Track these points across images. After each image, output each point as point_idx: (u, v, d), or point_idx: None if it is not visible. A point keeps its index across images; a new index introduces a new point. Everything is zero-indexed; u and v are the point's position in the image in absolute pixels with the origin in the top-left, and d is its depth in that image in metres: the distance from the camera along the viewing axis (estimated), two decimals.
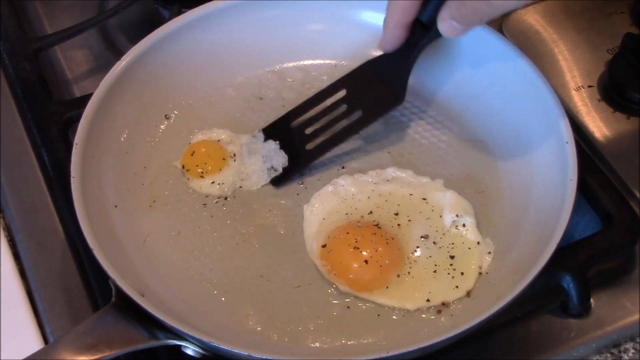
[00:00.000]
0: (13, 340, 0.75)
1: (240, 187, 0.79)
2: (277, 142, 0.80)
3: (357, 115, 0.80)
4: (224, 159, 0.80)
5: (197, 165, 0.79)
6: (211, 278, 0.72)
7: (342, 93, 0.81)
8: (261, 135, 0.81)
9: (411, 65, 0.78)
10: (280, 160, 0.80)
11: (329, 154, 0.80)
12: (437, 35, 0.74)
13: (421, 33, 0.76)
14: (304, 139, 0.80)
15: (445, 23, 0.71)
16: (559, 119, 0.74)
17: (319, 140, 0.80)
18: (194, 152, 0.80)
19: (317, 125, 0.81)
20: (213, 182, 0.78)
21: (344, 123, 0.80)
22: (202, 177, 0.78)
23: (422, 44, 0.77)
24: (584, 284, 0.72)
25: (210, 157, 0.80)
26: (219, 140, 0.81)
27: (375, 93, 0.80)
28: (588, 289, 0.72)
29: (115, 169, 0.78)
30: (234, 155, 0.80)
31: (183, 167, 0.79)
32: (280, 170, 0.79)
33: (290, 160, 0.79)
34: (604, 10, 0.93)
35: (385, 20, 0.76)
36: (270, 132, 0.81)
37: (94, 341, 0.64)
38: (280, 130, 0.81)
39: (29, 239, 0.81)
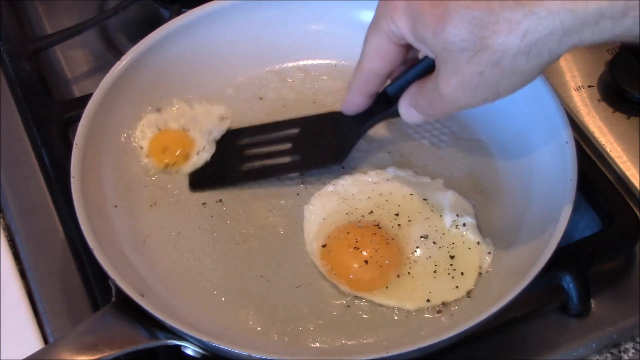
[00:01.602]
0: (13, 340, 0.74)
1: (215, 138, 0.81)
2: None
3: (295, 157, 0.78)
4: (184, 133, 0.81)
5: (178, 153, 0.79)
6: (211, 278, 0.72)
7: (295, 131, 0.79)
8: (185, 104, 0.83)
9: (362, 133, 0.76)
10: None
11: None
12: (397, 114, 0.71)
13: (383, 106, 0.73)
14: (240, 159, 0.79)
15: (403, 108, 0.70)
16: (559, 119, 0.74)
17: (254, 165, 0.78)
18: (164, 147, 0.80)
19: (259, 151, 0.79)
20: (198, 153, 0.79)
21: (282, 160, 0.78)
22: (189, 156, 0.79)
23: (379, 117, 0.75)
24: (584, 284, 0.72)
25: (178, 139, 0.80)
26: (160, 129, 0.81)
27: (321, 145, 0.78)
28: (588, 289, 0.72)
29: (115, 169, 0.78)
30: (182, 128, 0.81)
31: (167, 165, 0.79)
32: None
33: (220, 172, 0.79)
34: None
35: (349, 84, 0.73)
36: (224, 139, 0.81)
37: (94, 341, 0.64)
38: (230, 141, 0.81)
39: (29, 239, 0.81)
